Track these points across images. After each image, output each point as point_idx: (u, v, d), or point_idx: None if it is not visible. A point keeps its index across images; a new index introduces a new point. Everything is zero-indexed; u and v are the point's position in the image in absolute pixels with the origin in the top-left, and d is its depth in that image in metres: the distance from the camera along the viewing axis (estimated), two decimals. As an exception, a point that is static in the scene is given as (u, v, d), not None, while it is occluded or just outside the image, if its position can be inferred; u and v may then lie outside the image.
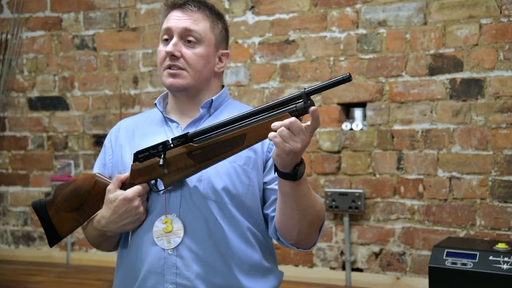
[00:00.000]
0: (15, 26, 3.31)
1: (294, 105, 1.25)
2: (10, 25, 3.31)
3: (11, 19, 3.32)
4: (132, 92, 3.18)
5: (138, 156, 1.40)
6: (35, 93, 3.34)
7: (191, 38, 1.45)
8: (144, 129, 1.52)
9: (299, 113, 1.24)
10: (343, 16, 2.77)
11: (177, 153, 1.35)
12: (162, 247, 1.40)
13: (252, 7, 2.94)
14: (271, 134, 1.24)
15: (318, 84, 1.24)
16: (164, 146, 1.36)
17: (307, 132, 1.23)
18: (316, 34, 2.82)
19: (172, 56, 1.44)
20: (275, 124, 1.23)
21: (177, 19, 1.46)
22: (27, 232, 3.33)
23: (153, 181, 1.41)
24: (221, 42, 1.53)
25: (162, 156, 1.36)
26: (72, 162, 3.23)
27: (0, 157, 3.38)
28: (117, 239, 1.55)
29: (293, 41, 2.86)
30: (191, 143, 1.34)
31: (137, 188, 1.40)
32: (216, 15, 1.52)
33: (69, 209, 1.46)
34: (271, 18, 2.90)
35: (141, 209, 1.41)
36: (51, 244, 1.50)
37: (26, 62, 3.35)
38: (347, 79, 1.23)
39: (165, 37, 1.48)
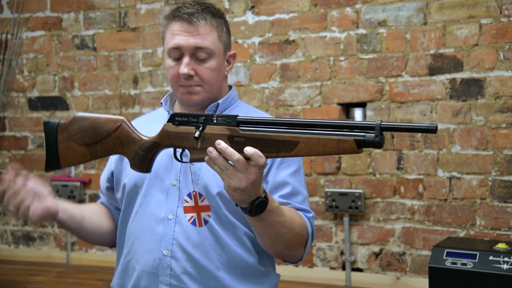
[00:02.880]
0: (15, 26, 3.31)
1: (363, 135, 1.11)
2: (10, 25, 3.31)
3: (11, 19, 3.32)
4: (132, 92, 3.18)
5: (175, 118, 1.30)
6: (35, 93, 3.34)
7: (202, 54, 1.43)
8: (151, 125, 1.50)
9: (365, 145, 1.11)
10: (343, 16, 2.77)
11: (218, 132, 1.22)
12: (192, 224, 1.39)
13: (252, 7, 2.94)
14: (217, 169, 1.18)
15: (397, 123, 1.11)
16: (206, 118, 1.25)
17: (253, 169, 1.17)
18: (316, 34, 2.82)
19: (188, 76, 1.42)
20: (220, 145, 1.17)
21: (185, 36, 1.42)
22: (27, 232, 3.33)
23: (179, 150, 1.33)
24: (228, 45, 1.52)
25: (201, 128, 1.24)
26: (72, 162, 3.23)
27: (0, 157, 3.38)
28: (89, 228, 1.52)
29: (293, 41, 2.86)
30: (236, 128, 1.21)
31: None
32: (219, 18, 1.49)
33: (81, 142, 1.36)
34: (271, 18, 2.90)
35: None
36: (47, 169, 1.40)
37: (26, 62, 3.35)
38: (432, 131, 1.06)
39: (174, 55, 1.45)
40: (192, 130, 1.26)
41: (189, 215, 1.41)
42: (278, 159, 1.45)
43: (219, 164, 1.18)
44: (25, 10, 3.35)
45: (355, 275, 2.73)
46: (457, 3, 2.57)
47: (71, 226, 1.49)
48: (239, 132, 1.21)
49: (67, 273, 3.05)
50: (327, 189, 2.76)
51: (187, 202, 1.42)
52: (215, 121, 1.24)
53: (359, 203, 2.69)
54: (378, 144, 1.09)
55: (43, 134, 1.39)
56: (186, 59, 1.42)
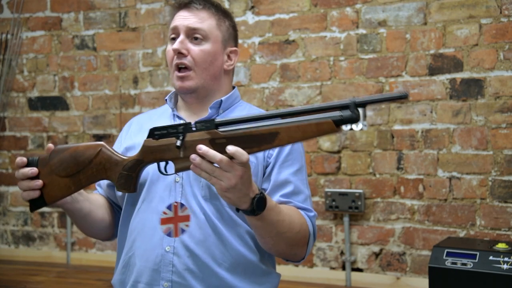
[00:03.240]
0: (15, 26, 3.31)
1: (339, 113, 1.14)
2: (10, 25, 3.31)
3: (11, 19, 3.32)
4: (132, 92, 3.18)
5: (154, 132, 1.31)
6: (35, 93, 3.34)
7: (197, 35, 1.46)
8: (153, 122, 1.51)
9: (343, 122, 1.14)
10: (343, 16, 2.77)
11: (198, 138, 1.23)
12: (167, 235, 1.40)
13: (252, 7, 2.94)
14: (204, 175, 1.20)
15: (370, 96, 1.14)
16: (185, 127, 1.26)
17: (238, 166, 1.18)
18: (316, 34, 2.82)
19: (179, 53, 1.45)
20: (202, 149, 1.18)
21: (182, 18, 1.47)
22: (27, 232, 3.33)
23: (163, 163, 1.34)
24: (229, 39, 1.53)
25: (181, 137, 1.25)
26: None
27: (0, 157, 3.38)
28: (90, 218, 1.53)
29: (293, 41, 2.86)
30: (216, 130, 1.23)
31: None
32: (223, 13, 1.52)
33: (64, 173, 1.35)
34: (271, 18, 2.90)
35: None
36: (33, 209, 1.38)
37: (26, 62, 3.35)
38: (404, 97, 1.11)
39: (172, 36, 1.49)
40: (173, 141, 1.26)
41: (164, 227, 1.42)
42: (281, 158, 1.45)
43: (205, 168, 1.19)
44: (25, 10, 3.35)
45: (355, 275, 2.73)
46: (457, 3, 2.57)
47: (76, 217, 1.50)
48: (220, 134, 1.22)
49: (67, 273, 3.05)
50: (327, 189, 2.76)
51: (166, 214, 1.43)
52: (194, 128, 1.25)
53: (359, 203, 2.69)
54: (355, 119, 1.13)
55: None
56: (180, 37, 1.46)
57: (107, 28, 3.23)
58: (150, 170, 1.45)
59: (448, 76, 2.58)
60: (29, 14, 3.34)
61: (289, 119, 1.19)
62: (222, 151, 1.19)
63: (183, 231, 1.41)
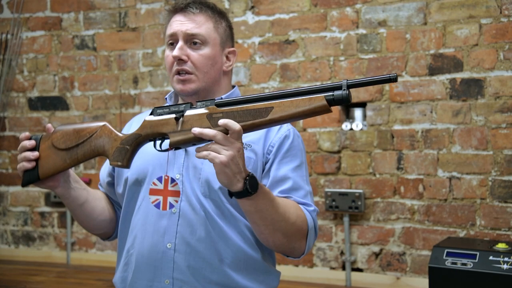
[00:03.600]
0: (15, 26, 3.31)
1: (331, 92, 1.21)
2: (10, 25, 3.31)
3: (11, 19, 3.32)
4: (132, 92, 3.18)
5: (157, 110, 1.35)
6: (35, 93, 3.34)
7: (196, 40, 1.47)
8: None
9: (335, 102, 1.20)
10: (343, 16, 2.77)
11: (197, 113, 1.29)
12: (156, 207, 1.43)
13: (252, 7, 2.94)
14: (203, 153, 1.23)
15: (361, 79, 1.20)
16: (186, 105, 1.33)
17: (233, 140, 1.22)
18: (316, 34, 2.82)
19: (179, 60, 1.45)
20: (196, 131, 1.23)
21: (180, 24, 1.47)
22: (27, 232, 3.33)
23: (159, 140, 1.36)
24: (227, 40, 1.54)
25: (181, 112, 1.31)
26: (72, 162, 3.23)
27: (0, 157, 3.38)
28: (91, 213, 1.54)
29: (293, 41, 2.86)
30: (214, 106, 1.29)
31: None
32: (219, 14, 1.53)
33: (63, 146, 1.38)
34: (271, 18, 2.90)
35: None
36: (24, 184, 1.41)
37: (26, 62, 3.35)
38: (393, 79, 1.17)
39: (170, 41, 1.49)
40: (173, 116, 1.31)
41: (153, 197, 1.45)
42: (280, 154, 1.46)
43: (206, 134, 1.22)
44: (25, 10, 3.35)
45: (355, 275, 2.74)
46: (457, 3, 2.57)
47: (72, 205, 1.51)
48: (217, 109, 1.28)
49: (67, 273, 3.05)
50: (327, 189, 2.76)
51: (155, 185, 1.45)
52: (195, 107, 1.31)
53: (359, 203, 2.69)
54: (346, 99, 1.19)
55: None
56: (179, 44, 1.46)
57: (107, 28, 3.23)
58: (150, 167, 1.46)
59: (448, 76, 2.59)
60: (29, 14, 3.35)
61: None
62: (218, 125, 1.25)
63: (171, 205, 1.43)
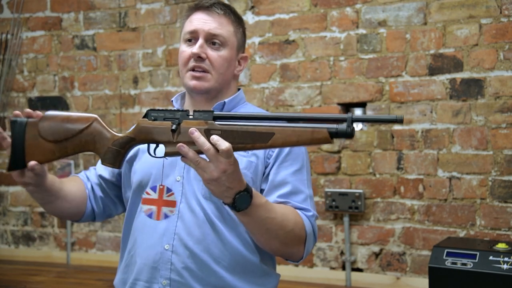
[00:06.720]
0: (15, 26, 3.31)
1: (335, 126, 1.18)
2: (10, 25, 3.31)
3: (11, 19, 3.32)
4: (132, 92, 3.18)
5: (151, 114, 1.31)
6: (35, 93, 3.34)
7: (216, 41, 1.47)
8: None
9: (338, 135, 1.18)
10: (343, 16, 2.77)
11: (195, 126, 1.25)
12: (149, 217, 1.42)
13: (252, 7, 2.94)
14: (190, 163, 1.21)
15: (367, 116, 1.21)
16: (182, 114, 1.28)
17: (222, 159, 1.20)
18: (316, 34, 2.82)
19: (198, 57, 1.46)
20: (183, 149, 1.20)
21: (203, 22, 1.48)
22: (27, 232, 3.33)
23: (154, 146, 1.34)
24: (241, 46, 1.56)
25: (178, 122, 1.27)
26: (72, 162, 3.24)
27: (0, 157, 3.38)
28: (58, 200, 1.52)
29: (293, 41, 2.86)
30: (213, 121, 1.25)
31: None
32: (239, 19, 1.55)
33: (51, 138, 1.33)
34: (271, 18, 2.90)
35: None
36: (10, 169, 1.37)
37: (26, 62, 3.35)
38: (399, 121, 1.15)
39: (189, 37, 1.49)
40: (168, 124, 1.28)
41: (146, 207, 1.45)
42: (280, 159, 1.45)
43: (190, 157, 1.21)
44: (25, 10, 3.35)
45: (355, 275, 2.74)
46: (457, 3, 2.57)
47: (49, 192, 1.49)
48: (216, 126, 1.24)
49: (67, 273, 3.05)
50: (327, 189, 2.76)
51: (148, 194, 1.45)
52: (191, 116, 1.28)
53: (359, 203, 2.69)
54: (349, 134, 1.17)
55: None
56: (200, 42, 1.46)
57: (107, 28, 3.23)
58: (154, 170, 1.46)
59: (448, 76, 2.58)
60: (29, 14, 3.35)
61: (287, 122, 1.23)
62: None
63: (166, 216, 1.42)
